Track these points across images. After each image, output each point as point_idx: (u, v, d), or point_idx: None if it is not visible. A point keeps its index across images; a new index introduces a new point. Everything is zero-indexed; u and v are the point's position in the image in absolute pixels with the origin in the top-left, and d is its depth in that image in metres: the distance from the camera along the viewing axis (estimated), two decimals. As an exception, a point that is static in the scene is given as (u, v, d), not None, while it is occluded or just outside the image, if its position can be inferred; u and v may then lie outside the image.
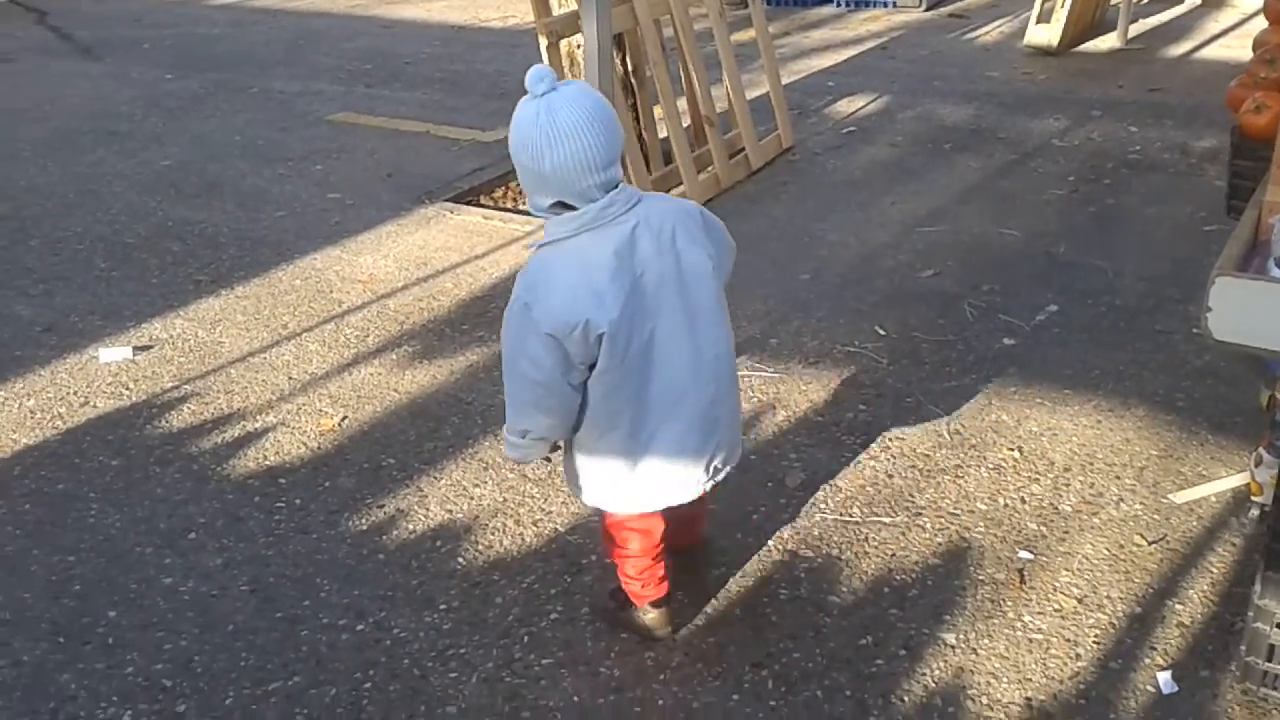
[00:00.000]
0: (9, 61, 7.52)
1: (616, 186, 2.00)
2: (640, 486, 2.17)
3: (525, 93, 1.95)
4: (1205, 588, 2.42)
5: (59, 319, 3.87)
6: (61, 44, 7.99)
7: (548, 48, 4.20)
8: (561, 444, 2.23)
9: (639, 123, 4.66)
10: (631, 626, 2.39)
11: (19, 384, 3.47)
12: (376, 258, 4.24)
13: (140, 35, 8.07)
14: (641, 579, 2.31)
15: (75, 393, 3.41)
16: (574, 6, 4.25)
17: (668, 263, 2.04)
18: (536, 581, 2.54)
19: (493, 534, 2.71)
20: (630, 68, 4.63)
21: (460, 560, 2.63)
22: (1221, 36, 6.66)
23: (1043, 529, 2.62)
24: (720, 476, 2.24)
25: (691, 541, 2.57)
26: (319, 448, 3.09)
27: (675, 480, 2.17)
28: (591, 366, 2.04)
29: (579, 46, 4.38)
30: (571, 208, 1.99)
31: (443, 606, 2.49)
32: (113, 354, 3.60)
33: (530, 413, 2.08)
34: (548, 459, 2.29)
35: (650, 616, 2.35)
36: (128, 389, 3.42)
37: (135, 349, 3.63)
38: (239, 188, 5.01)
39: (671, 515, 2.27)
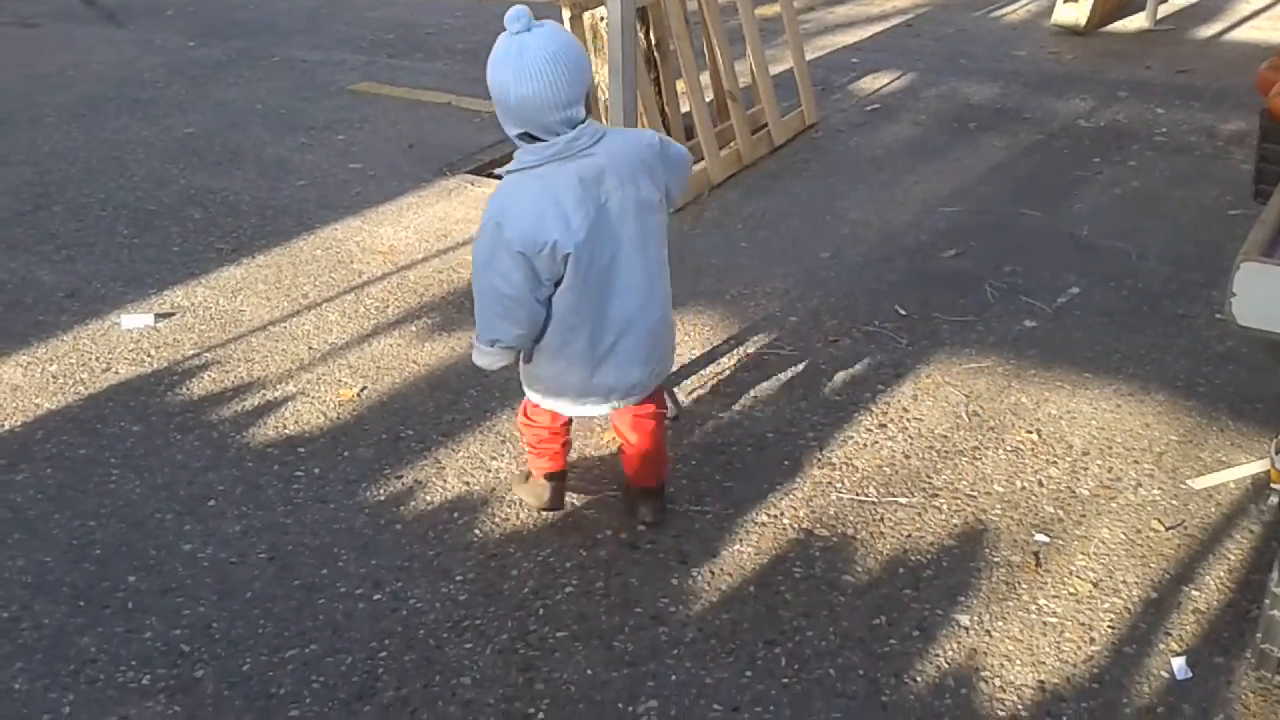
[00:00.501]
0: (33, 27, 7.53)
1: (583, 122, 2.23)
2: (592, 395, 2.44)
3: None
4: (1222, 574, 2.41)
5: (82, 285, 3.90)
6: (85, 10, 7.98)
7: (571, 20, 4.18)
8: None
9: (661, 97, 4.63)
10: (524, 494, 2.71)
11: (42, 349, 3.50)
12: (397, 229, 4.25)
13: (164, 2, 8.05)
14: (538, 450, 2.62)
15: (97, 359, 3.44)
16: (598, -21, 4.22)
17: (629, 194, 2.28)
18: (552, 555, 2.56)
19: (509, 506, 2.72)
20: (653, 41, 4.60)
21: (477, 532, 2.64)
22: (1252, 18, 6.57)
23: (1060, 512, 2.61)
24: (654, 383, 2.50)
25: (652, 483, 2.66)
26: (338, 418, 3.10)
27: (622, 389, 2.44)
28: (557, 284, 2.28)
29: (602, 19, 4.35)
30: (540, 139, 2.22)
31: (459, 578, 2.50)
32: (135, 320, 3.62)
33: (500, 324, 2.33)
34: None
35: (540, 487, 2.66)
36: (149, 356, 3.44)
37: (157, 316, 3.65)
38: (261, 156, 5.01)
39: (629, 450, 2.60)
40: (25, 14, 7.82)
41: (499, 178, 2.33)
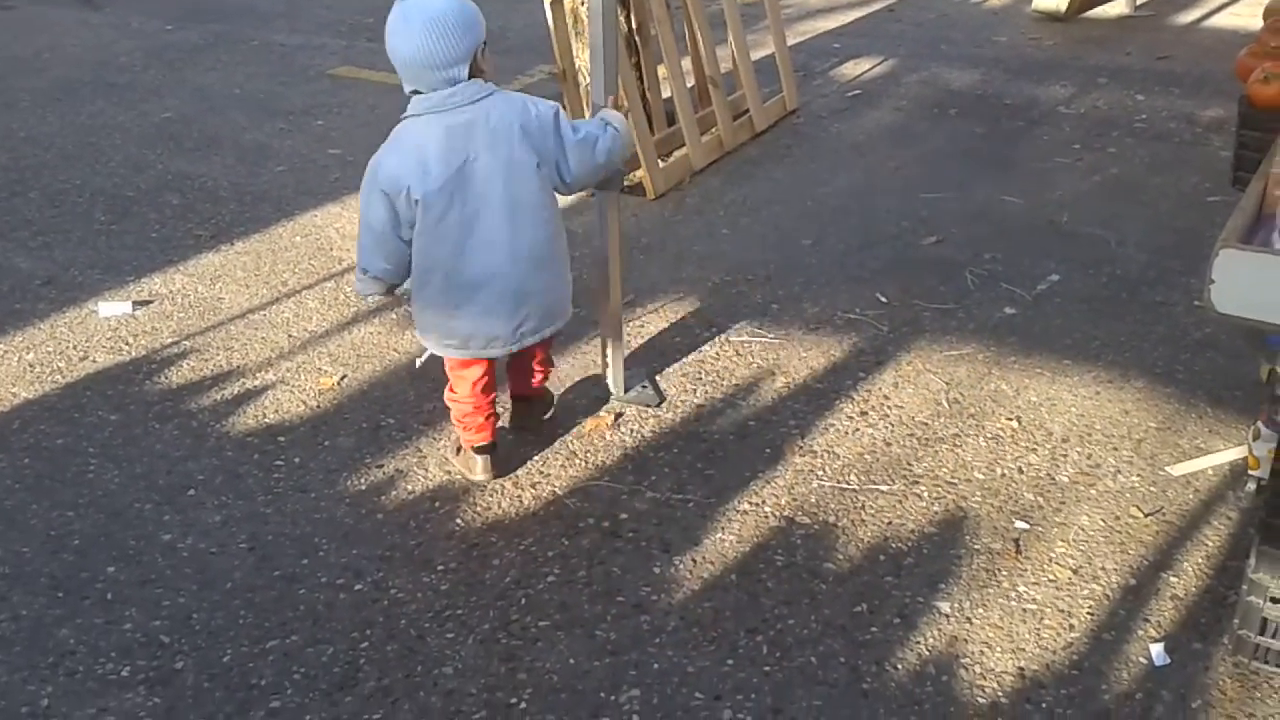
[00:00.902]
0: (8, 9, 7.44)
1: (464, 81, 2.41)
2: (452, 338, 2.60)
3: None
4: (1200, 560, 2.43)
5: (59, 272, 3.86)
6: (60, -8, 7.89)
7: (552, 4, 4.16)
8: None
9: (642, 82, 4.61)
10: (459, 465, 2.81)
11: (18, 337, 3.47)
12: (377, 215, 4.22)
13: (140, -16, 7.97)
14: (463, 423, 2.74)
15: (74, 347, 3.41)
16: (579, -37, 4.20)
17: (499, 155, 2.44)
18: (534, 544, 2.55)
19: (490, 496, 2.72)
20: (634, 26, 4.58)
21: (458, 522, 2.64)
22: (1231, 4, 6.59)
23: (1039, 499, 2.63)
24: (530, 341, 2.62)
25: (527, 392, 2.90)
26: (318, 406, 3.09)
27: (481, 339, 2.58)
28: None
29: (583, 3, 4.33)
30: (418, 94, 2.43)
31: (440, 567, 2.50)
32: (112, 308, 3.59)
33: (369, 255, 2.54)
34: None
35: (471, 460, 2.76)
36: (127, 344, 3.42)
37: (135, 304, 3.62)
38: (239, 142, 4.98)
39: (505, 368, 2.82)
40: (-1, -4, 7.73)
41: None
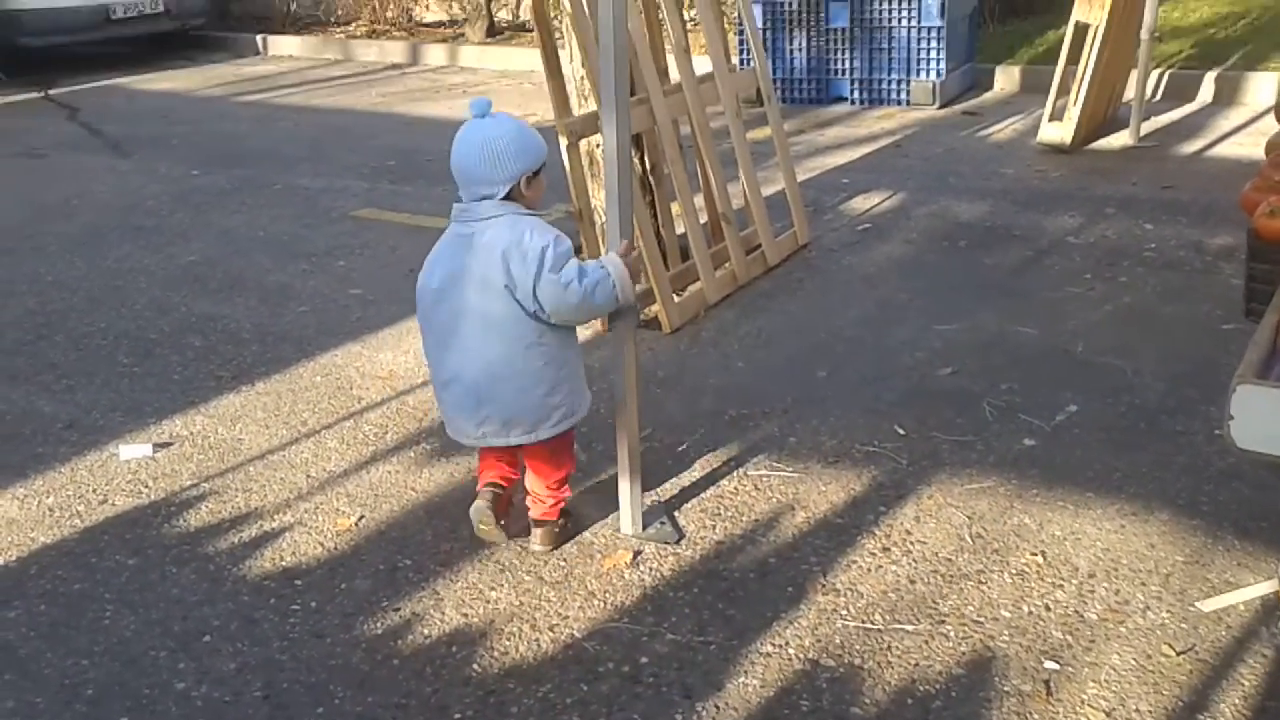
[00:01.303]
0: (40, 157, 7.69)
1: (493, 201, 2.73)
2: (443, 421, 2.98)
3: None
4: (1236, 700, 2.36)
5: (81, 415, 3.90)
6: (91, 139, 8.17)
7: (568, 147, 4.28)
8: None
9: (656, 220, 4.71)
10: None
11: (39, 481, 3.48)
12: (397, 354, 4.27)
13: (168, 131, 8.25)
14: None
15: (94, 490, 3.42)
16: (594, 107, 4.33)
17: (477, 272, 2.72)
18: (553, 690, 2.51)
19: (508, 639, 2.68)
20: (648, 166, 4.70)
21: (475, 667, 2.60)
22: (1233, 134, 6.72)
23: (1068, 638, 2.57)
24: (494, 442, 2.87)
25: (535, 516, 3.02)
26: (335, 548, 3.08)
27: (454, 428, 2.92)
28: None
29: (598, 146, 4.45)
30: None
31: (457, 715, 2.45)
32: (133, 451, 3.61)
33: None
34: None
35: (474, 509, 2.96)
36: (146, 487, 3.43)
37: (155, 446, 3.65)
38: (262, 283, 5.07)
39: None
40: (33, 144, 8.00)
41: None
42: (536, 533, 3.00)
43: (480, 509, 2.93)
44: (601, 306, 2.80)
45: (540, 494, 2.98)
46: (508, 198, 2.75)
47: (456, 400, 2.84)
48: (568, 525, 3.04)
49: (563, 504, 3.03)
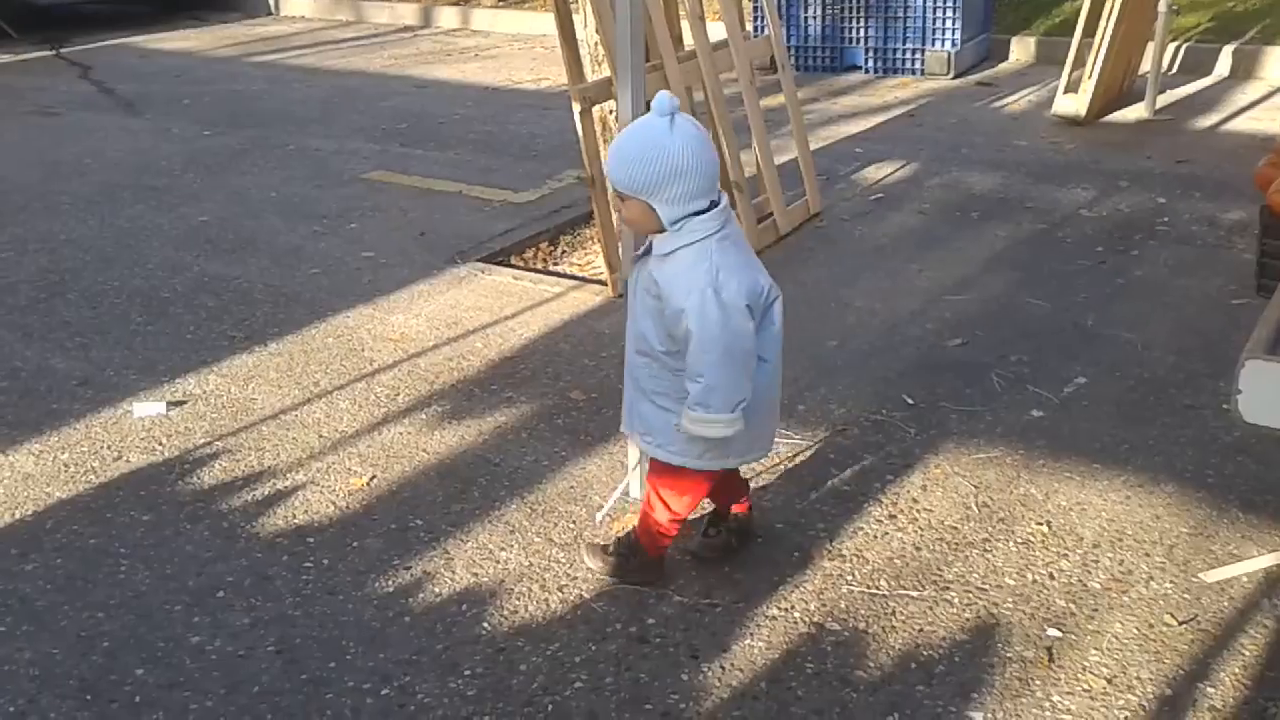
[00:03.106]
0: (53, 115, 7.69)
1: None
2: (740, 446, 2.57)
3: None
4: (1237, 670, 2.39)
5: (95, 373, 3.93)
6: (104, 99, 8.16)
7: (581, 114, 4.28)
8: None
9: (669, 187, 4.71)
10: (630, 578, 2.74)
11: (54, 437, 3.52)
12: (408, 317, 4.29)
13: (181, 91, 8.24)
14: (667, 535, 2.72)
15: (109, 447, 3.46)
16: (607, 73, 4.32)
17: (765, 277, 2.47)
18: (561, 649, 2.54)
19: (518, 599, 2.71)
20: (661, 133, 4.69)
21: (485, 625, 2.63)
22: (1250, 109, 6.69)
23: (1071, 606, 2.60)
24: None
25: (737, 507, 2.86)
26: (348, 507, 3.11)
27: (765, 441, 2.67)
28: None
29: (612, 112, 4.45)
30: (702, 212, 2.33)
31: (467, 672, 2.49)
32: (147, 409, 3.64)
33: (746, 382, 2.39)
34: None
35: (659, 567, 2.75)
36: (160, 444, 3.46)
37: (169, 404, 3.68)
38: (274, 244, 5.09)
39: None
40: (45, 103, 8.00)
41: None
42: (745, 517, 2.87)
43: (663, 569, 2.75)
44: None
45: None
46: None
47: (773, 404, 2.60)
48: None
49: None
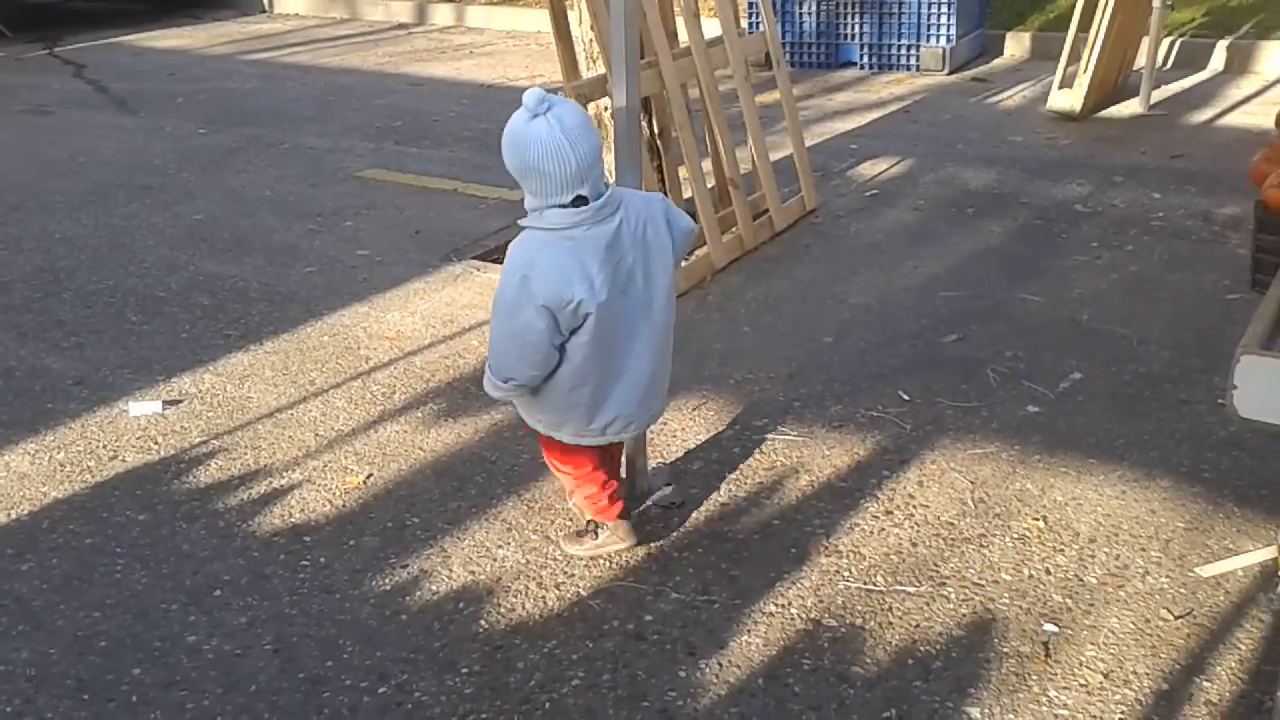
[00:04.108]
0: (46, 114, 7.67)
1: (608, 189, 2.46)
2: (586, 435, 2.65)
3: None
4: (1233, 665, 2.40)
5: (90, 372, 3.92)
6: (98, 97, 8.14)
7: (576, 111, 4.26)
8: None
9: (664, 184, 4.71)
10: (603, 549, 2.82)
11: (49, 437, 3.51)
12: (404, 315, 4.29)
13: (174, 89, 8.22)
14: (595, 501, 2.78)
15: (104, 446, 3.45)
16: (602, 70, 4.32)
17: (638, 253, 2.51)
18: (558, 646, 2.54)
19: (515, 596, 2.71)
20: (656, 130, 4.69)
21: (482, 623, 2.63)
22: (1245, 103, 6.69)
23: (1068, 601, 2.60)
24: (642, 429, 2.78)
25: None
26: (344, 505, 3.11)
27: (615, 430, 2.66)
28: (573, 331, 2.48)
29: (607, 109, 4.44)
30: (573, 205, 2.40)
31: (464, 670, 2.49)
32: (142, 408, 3.64)
33: (517, 365, 2.53)
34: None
35: (620, 529, 2.81)
36: (156, 443, 3.45)
37: (164, 403, 3.67)
38: (269, 243, 5.08)
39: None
40: (39, 101, 7.98)
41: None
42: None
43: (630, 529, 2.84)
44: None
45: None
46: None
47: (632, 395, 2.61)
48: None
49: None
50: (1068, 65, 6.46)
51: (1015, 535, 2.85)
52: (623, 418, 2.64)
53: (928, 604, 2.62)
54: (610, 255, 2.44)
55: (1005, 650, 2.47)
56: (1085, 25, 6.31)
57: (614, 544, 2.82)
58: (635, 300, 2.53)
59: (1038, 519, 2.91)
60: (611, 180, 2.60)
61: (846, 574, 2.74)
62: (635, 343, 2.56)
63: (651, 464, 3.14)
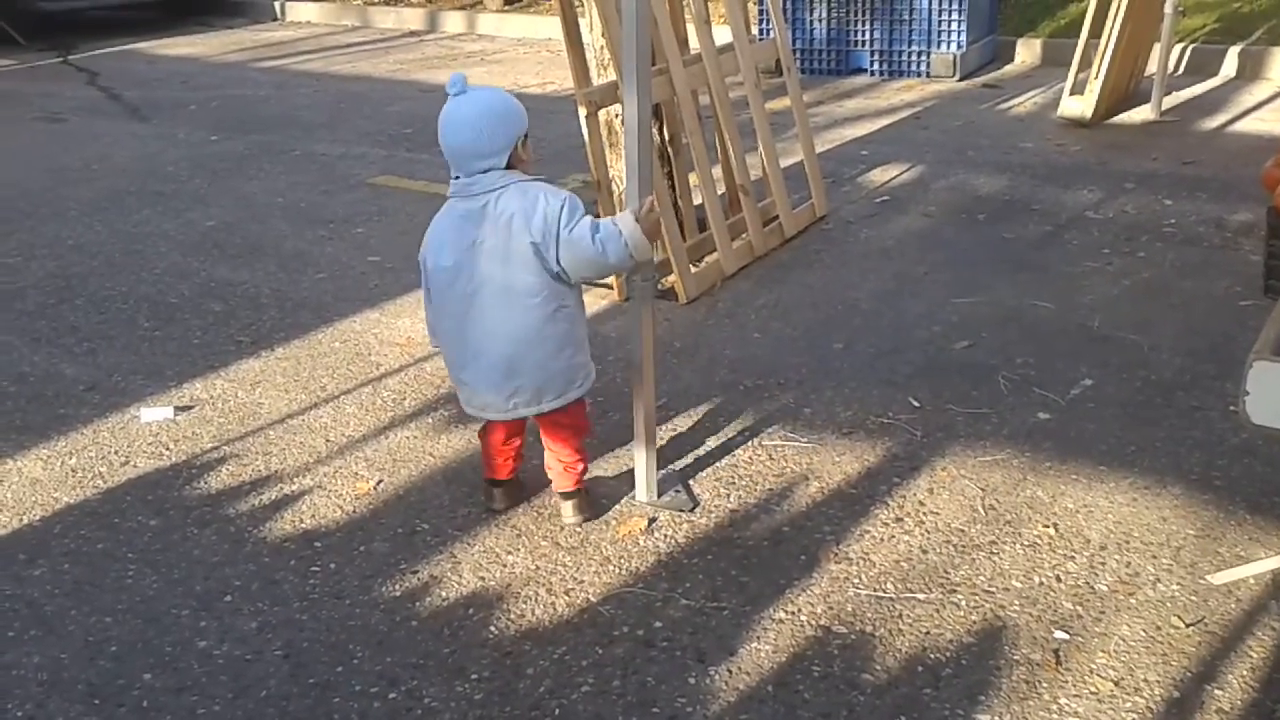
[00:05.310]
0: (60, 121, 7.72)
1: (497, 171, 2.72)
2: (461, 394, 2.96)
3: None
4: (1245, 673, 2.39)
5: (102, 378, 3.94)
6: (111, 104, 8.19)
7: (587, 117, 4.28)
8: None
9: (674, 190, 4.71)
10: (484, 499, 3.11)
11: (62, 442, 3.53)
12: (414, 321, 4.29)
13: (187, 97, 8.27)
14: (485, 461, 3.06)
15: (116, 452, 3.47)
16: (613, 76, 4.33)
17: (499, 242, 2.72)
18: (568, 653, 2.54)
19: (524, 603, 2.71)
20: (667, 137, 4.70)
21: (492, 629, 2.63)
22: (1256, 110, 6.67)
23: (1079, 608, 2.60)
24: (525, 413, 2.88)
25: (563, 487, 3.01)
26: (354, 511, 3.11)
27: (477, 403, 2.90)
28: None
29: (618, 116, 4.45)
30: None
31: (474, 676, 2.49)
32: (154, 414, 3.65)
33: (429, 314, 2.93)
34: None
35: (483, 489, 3.09)
36: (168, 449, 3.47)
37: (176, 409, 3.69)
38: (281, 249, 5.10)
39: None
40: (53, 109, 8.03)
41: None
42: (566, 505, 3.00)
43: (498, 498, 3.07)
44: (615, 263, 2.79)
45: (566, 462, 2.97)
46: (508, 166, 2.75)
47: (483, 376, 2.82)
48: (588, 493, 3.06)
49: (584, 471, 3.04)
50: (1079, 71, 6.45)
51: (1026, 542, 2.84)
52: (477, 401, 2.89)
53: (938, 611, 2.61)
54: (464, 227, 2.74)
55: (1016, 657, 2.46)
56: (1096, 31, 6.30)
57: (486, 502, 3.09)
58: (485, 279, 2.74)
59: (1048, 526, 2.90)
60: (623, 185, 2.66)
61: (856, 581, 2.73)
62: (485, 321, 2.77)
63: (661, 471, 3.14)
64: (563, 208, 2.73)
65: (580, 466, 3.00)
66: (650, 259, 2.88)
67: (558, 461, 2.97)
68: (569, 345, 2.85)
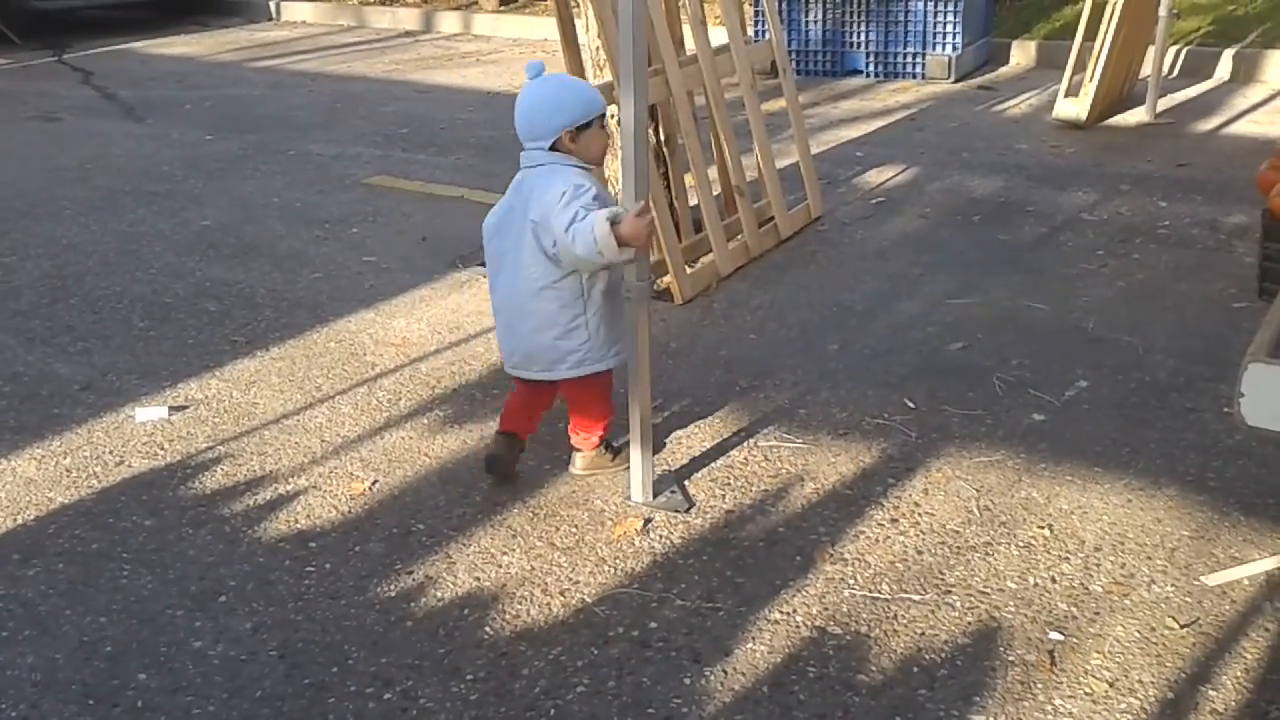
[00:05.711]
0: (54, 120, 7.70)
1: (542, 151, 2.96)
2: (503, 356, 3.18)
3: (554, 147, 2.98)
4: (1239, 674, 2.39)
5: (97, 377, 3.93)
6: (105, 104, 8.18)
7: (582, 118, 4.27)
8: None
9: (670, 191, 4.71)
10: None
11: (56, 442, 3.52)
12: (410, 321, 4.29)
13: (182, 96, 8.25)
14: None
15: (111, 452, 3.46)
16: (608, 77, 4.33)
17: (520, 214, 2.97)
18: (563, 653, 2.54)
19: (520, 603, 2.71)
20: (663, 138, 4.70)
21: (488, 629, 2.63)
22: (1251, 112, 6.69)
23: (1073, 609, 2.60)
24: (519, 374, 3.11)
25: (500, 423, 3.23)
26: (349, 511, 3.11)
27: (504, 352, 3.15)
28: None
29: (614, 116, 4.45)
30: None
31: (469, 677, 2.49)
32: (149, 414, 3.65)
33: None
34: None
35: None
36: (162, 449, 3.46)
37: (171, 409, 3.68)
38: (276, 249, 5.09)
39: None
40: (48, 108, 8.01)
41: None
42: (575, 456, 3.23)
43: (494, 458, 3.19)
44: (582, 255, 2.83)
45: (578, 424, 3.20)
46: (553, 149, 2.95)
47: (500, 329, 3.13)
48: (607, 455, 3.23)
49: (600, 440, 3.21)
50: (1074, 74, 6.47)
51: (1021, 543, 2.84)
52: (503, 350, 3.13)
53: (933, 612, 2.62)
54: (512, 194, 3.02)
55: (1010, 658, 2.46)
56: (1091, 34, 6.32)
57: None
58: (509, 244, 3.00)
59: (1043, 527, 2.90)
60: (619, 186, 2.65)
61: (852, 582, 2.74)
62: (500, 279, 3.05)
63: (657, 471, 3.14)
64: (564, 193, 2.86)
65: (585, 435, 3.20)
66: (632, 259, 2.89)
67: (572, 419, 3.21)
68: (554, 327, 2.99)
